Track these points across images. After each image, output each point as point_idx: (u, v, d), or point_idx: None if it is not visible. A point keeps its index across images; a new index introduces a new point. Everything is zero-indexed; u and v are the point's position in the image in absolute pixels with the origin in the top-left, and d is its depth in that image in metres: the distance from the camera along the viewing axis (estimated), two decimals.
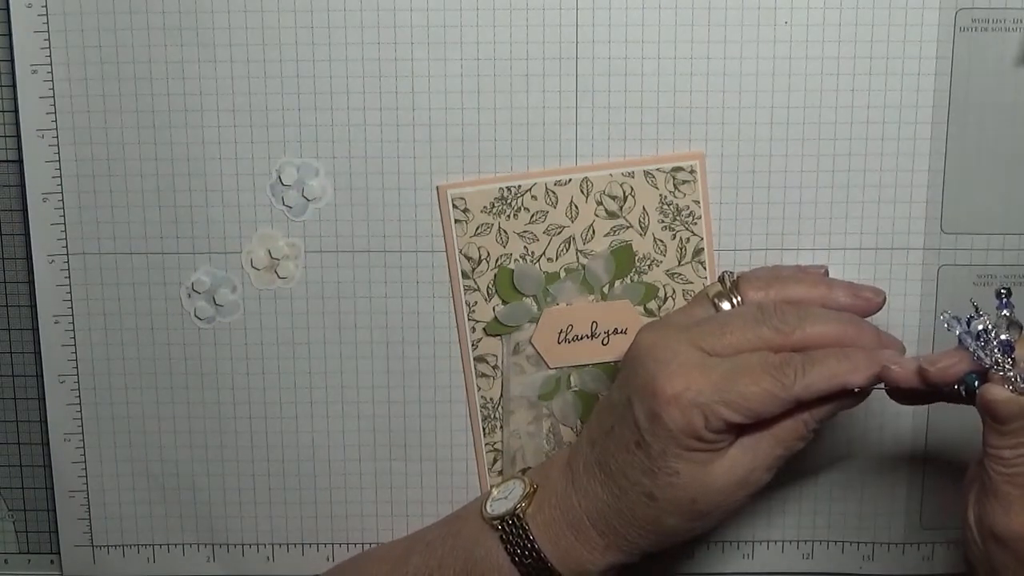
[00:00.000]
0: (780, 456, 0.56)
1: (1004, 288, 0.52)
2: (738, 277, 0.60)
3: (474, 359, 0.66)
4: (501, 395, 0.66)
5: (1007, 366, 0.50)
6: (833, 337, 0.55)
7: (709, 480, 0.55)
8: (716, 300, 0.59)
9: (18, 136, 0.65)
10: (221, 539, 0.69)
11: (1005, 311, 0.52)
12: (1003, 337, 0.51)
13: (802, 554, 0.68)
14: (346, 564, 0.67)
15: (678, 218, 0.64)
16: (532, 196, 0.64)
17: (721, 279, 0.60)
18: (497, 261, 0.65)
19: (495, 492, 0.61)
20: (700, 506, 0.55)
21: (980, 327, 0.51)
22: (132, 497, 0.69)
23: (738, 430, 0.55)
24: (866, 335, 0.55)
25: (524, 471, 0.62)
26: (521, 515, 0.59)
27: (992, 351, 0.51)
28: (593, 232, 0.64)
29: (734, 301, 0.58)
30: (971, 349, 0.51)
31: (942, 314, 0.53)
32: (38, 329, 0.67)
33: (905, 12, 0.62)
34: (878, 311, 0.59)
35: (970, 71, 0.62)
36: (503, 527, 0.59)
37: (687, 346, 0.55)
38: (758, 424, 0.55)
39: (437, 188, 0.64)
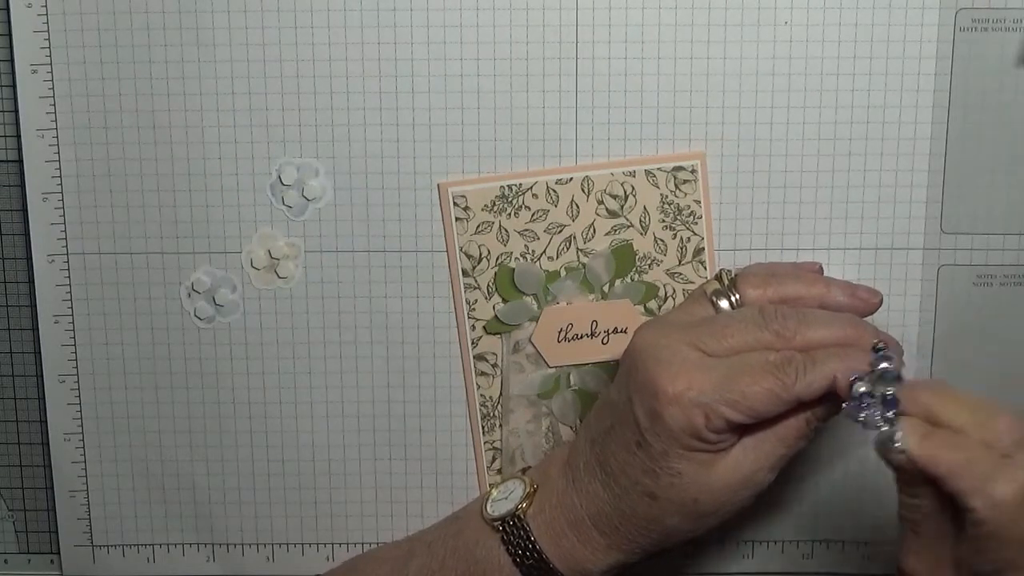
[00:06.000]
0: (783, 455, 0.56)
1: (879, 343, 0.52)
2: (736, 275, 0.60)
3: (474, 357, 0.66)
4: (500, 394, 0.66)
5: (879, 422, 0.50)
6: (833, 340, 0.55)
7: (711, 480, 0.55)
8: (714, 298, 0.58)
9: (18, 136, 0.65)
10: (221, 539, 0.69)
11: (882, 364, 0.51)
12: (887, 392, 0.51)
13: (802, 554, 0.68)
14: (346, 565, 0.66)
15: (679, 218, 0.64)
16: (533, 194, 0.64)
17: (719, 277, 0.60)
18: (498, 259, 0.65)
19: (495, 492, 0.61)
20: (702, 506, 0.55)
21: (862, 389, 0.51)
22: (132, 497, 0.69)
23: (740, 430, 0.55)
24: (866, 336, 0.55)
25: (524, 471, 0.62)
26: (522, 516, 0.59)
27: (874, 413, 0.51)
28: (594, 231, 0.64)
29: (732, 299, 0.58)
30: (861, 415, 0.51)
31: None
32: (38, 329, 0.67)
33: (905, 12, 0.62)
34: (875, 311, 0.59)
35: (970, 71, 0.62)
36: (504, 528, 0.59)
37: (687, 347, 0.55)
38: (760, 424, 0.55)
39: (438, 185, 0.64)
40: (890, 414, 0.50)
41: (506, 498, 0.60)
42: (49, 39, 0.63)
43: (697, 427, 0.53)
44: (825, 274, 0.63)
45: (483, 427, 0.67)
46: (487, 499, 0.61)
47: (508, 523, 0.59)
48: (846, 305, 0.58)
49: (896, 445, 0.48)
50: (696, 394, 0.53)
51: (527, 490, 0.59)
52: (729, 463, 0.55)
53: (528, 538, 0.58)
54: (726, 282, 0.59)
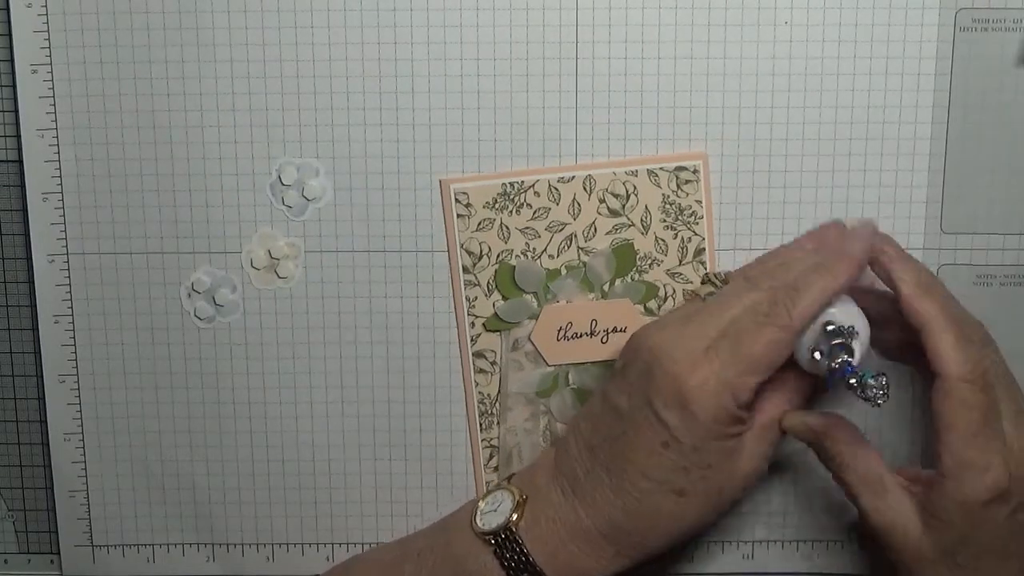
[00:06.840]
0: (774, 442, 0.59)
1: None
2: (726, 275, 0.61)
3: (472, 355, 0.66)
4: (499, 391, 0.66)
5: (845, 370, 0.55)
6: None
7: (736, 469, 0.56)
8: (708, 299, 0.59)
9: (18, 136, 0.65)
10: (221, 539, 0.69)
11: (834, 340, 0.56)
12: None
13: (802, 554, 0.68)
14: (342, 566, 0.66)
15: (680, 217, 0.64)
16: (535, 192, 0.64)
17: (710, 280, 0.61)
18: (498, 257, 0.65)
19: (483, 504, 0.60)
20: (726, 494, 0.57)
21: (817, 356, 0.56)
22: (132, 497, 0.69)
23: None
24: (849, 245, 0.58)
25: (509, 479, 0.62)
26: (514, 529, 0.58)
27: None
28: (595, 230, 0.64)
29: None
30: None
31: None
32: (38, 329, 0.67)
33: (905, 12, 0.62)
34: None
35: (970, 71, 0.62)
36: (496, 542, 0.58)
37: (693, 338, 0.56)
38: (765, 412, 0.57)
39: (440, 182, 0.64)
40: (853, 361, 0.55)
41: (495, 510, 0.59)
42: (49, 39, 0.63)
43: (729, 409, 0.55)
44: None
45: (480, 425, 0.67)
46: (476, 512, 0.60)
47: (500, 537, 0.58)
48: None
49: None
50: (716, 378, 0.54)
51: (516, 500, 0.59)
52: (747, 452, 0.57)
53: (522, 551, 0.58)
54: (719, 284, 0.60)
